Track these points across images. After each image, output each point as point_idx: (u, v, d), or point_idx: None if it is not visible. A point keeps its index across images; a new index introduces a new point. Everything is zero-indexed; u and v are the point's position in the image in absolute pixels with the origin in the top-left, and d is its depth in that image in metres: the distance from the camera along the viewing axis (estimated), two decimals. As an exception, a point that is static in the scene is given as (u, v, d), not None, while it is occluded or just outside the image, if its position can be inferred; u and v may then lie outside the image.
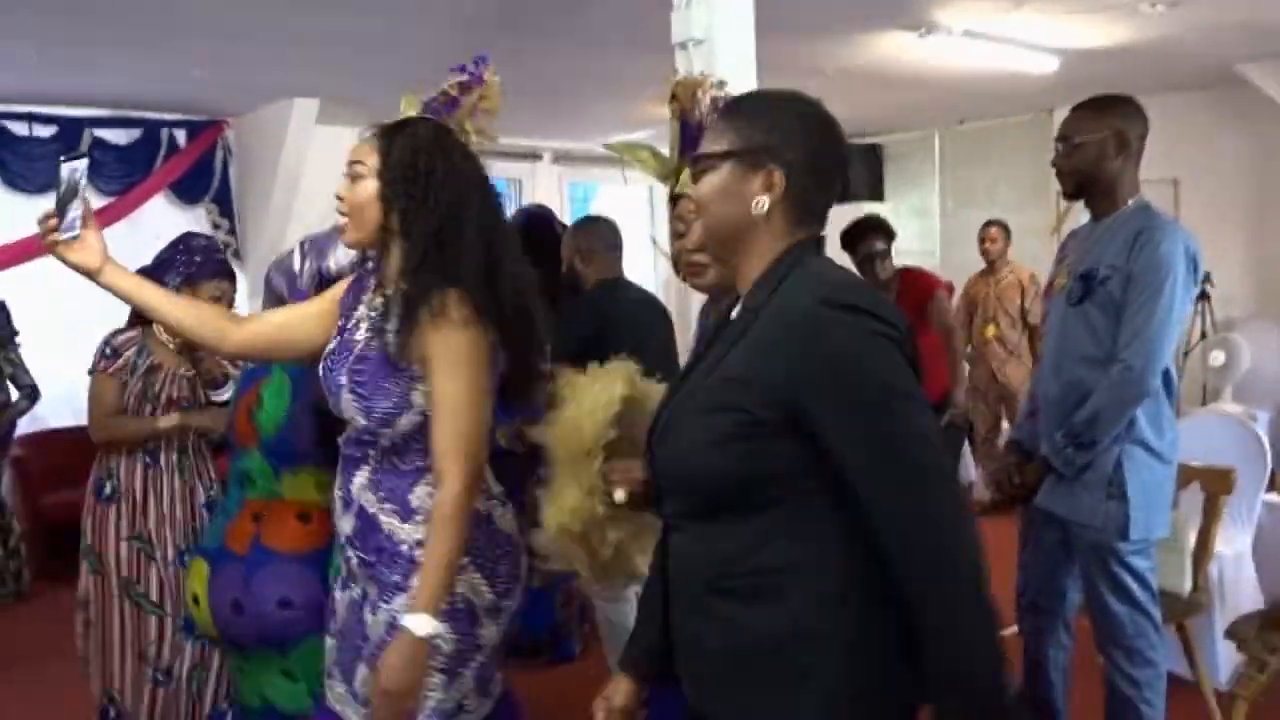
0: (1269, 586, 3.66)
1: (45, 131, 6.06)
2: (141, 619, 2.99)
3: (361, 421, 1.84)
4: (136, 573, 3.00)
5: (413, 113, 1.98)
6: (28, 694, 3.97)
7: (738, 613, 1.35)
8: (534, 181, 8.48)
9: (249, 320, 2.05)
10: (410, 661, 1.71)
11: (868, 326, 1.27)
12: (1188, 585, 3.24)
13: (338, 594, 2.01)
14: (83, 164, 1.82)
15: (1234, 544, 3.65)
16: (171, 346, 3.10)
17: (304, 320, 2.01)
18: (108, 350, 3.04)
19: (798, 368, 1.27)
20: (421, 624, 1.71)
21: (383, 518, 1.87)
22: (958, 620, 1.22)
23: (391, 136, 1.84)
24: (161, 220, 6.16)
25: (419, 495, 1.87)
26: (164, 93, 6.03)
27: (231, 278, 3.10)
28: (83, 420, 3.09)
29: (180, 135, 6.56)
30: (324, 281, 2.30)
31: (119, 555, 3.00)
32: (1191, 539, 3.25)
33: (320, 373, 1.93)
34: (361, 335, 1.89)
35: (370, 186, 1.82)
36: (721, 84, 1.54)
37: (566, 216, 7.06)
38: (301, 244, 2.43)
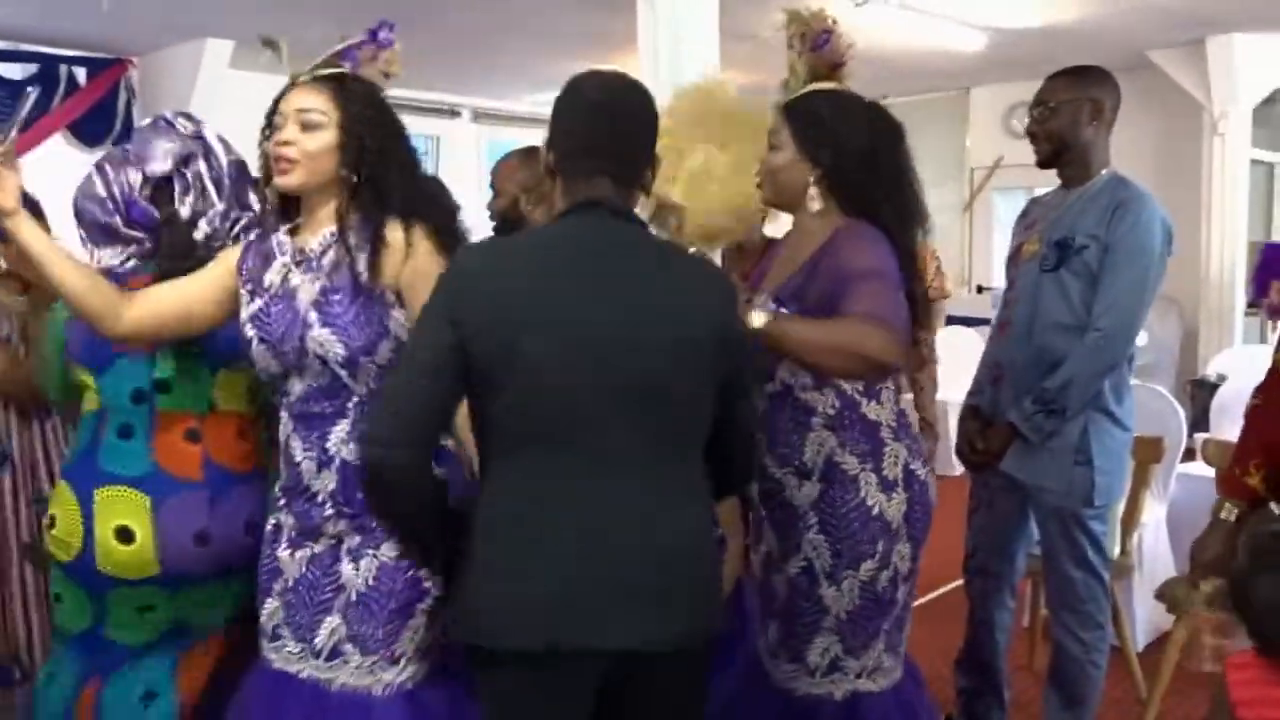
0: (1183, 556, 3.79)
1: (-70, 61, 5.71)
2: (39, 578, 2.80)
3: (341, 353, 1.82)
4: (37, 534, 2.80)
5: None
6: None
7: None
8: (452, 139, 8.29)
9: (141, 299, 1.96)
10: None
11: None
12: (1116, 550, 3.34)
13: (283, 554, 1.95)
14: (30, 92, 1.77)
15: (1152, 513, 3.78)
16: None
17: (201, 299, 1.99)
18: None
19: None
20: None
21: None
22: None
23: (343, 88, 1.88)
24: (60, 162, 5.81)
25: None
26: (65, 26, 5.69)
27: None
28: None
29: (80, 73, 6.23)
30: (153, 185, 2.22)
31: (19, 521, 2.79)
32: (1120, 506, 3.35)
33: (253, 334, 1.90)
34: (302, 278, 1.89)
35: (329, 136, 1.86)
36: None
37: (485, 176, 6.91)
38: (99, 166, 2.30)
